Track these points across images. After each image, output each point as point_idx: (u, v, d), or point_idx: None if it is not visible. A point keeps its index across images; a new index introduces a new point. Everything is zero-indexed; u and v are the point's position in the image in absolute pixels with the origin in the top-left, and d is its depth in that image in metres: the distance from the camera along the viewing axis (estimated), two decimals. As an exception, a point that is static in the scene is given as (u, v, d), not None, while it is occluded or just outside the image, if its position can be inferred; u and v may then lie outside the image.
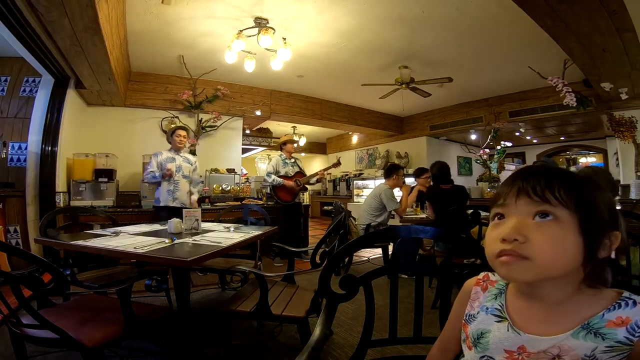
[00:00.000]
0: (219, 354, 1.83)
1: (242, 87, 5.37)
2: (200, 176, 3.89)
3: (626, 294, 0.52)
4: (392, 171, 3.92)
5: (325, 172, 4.46)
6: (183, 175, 3.49)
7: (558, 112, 5.15)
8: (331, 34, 3.67)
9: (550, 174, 0.53)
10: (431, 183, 3.81)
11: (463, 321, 0.66)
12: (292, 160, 4.42)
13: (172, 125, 4.83)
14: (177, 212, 2.97)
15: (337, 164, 4.69)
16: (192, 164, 3.62)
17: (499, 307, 0.61)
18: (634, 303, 0.50)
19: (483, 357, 0.59)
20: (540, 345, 0.53)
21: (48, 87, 3.51)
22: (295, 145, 4.57)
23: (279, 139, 4.66)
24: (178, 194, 3.45)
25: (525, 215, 0.52)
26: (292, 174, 4.32)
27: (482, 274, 0.69)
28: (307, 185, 4.48)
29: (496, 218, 0.56)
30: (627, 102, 4.25)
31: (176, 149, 3.52)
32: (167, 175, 3.31)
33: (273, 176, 4.20)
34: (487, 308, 0.63)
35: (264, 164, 4.27)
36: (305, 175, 4.42)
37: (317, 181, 4.47)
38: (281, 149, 4.44)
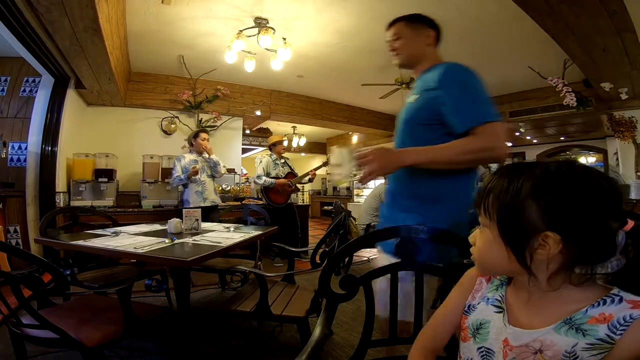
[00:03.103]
0: (219, 354, 1.83)
1: (242, 87, 5.37)
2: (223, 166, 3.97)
3: (615, 290, 0.50)
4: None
5: (315, 172, 4.35)
6: (207, 175, 3.63)
7: (558, 112, 5.14)
8: (331, 34, 3.67)
9: (492, 188, 0.56)
10: None
11: (463, 312, 0.66)
12: (282, 160, 4.34)
13: (172, 126, 4.86)
14: (208, 210, 3.47)
15: (327, 162, 4.64)
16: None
17: (499, 298, 0.61)
18: (620, 300, 0.48)
19: (480, 348, 0.59)
20: (522, 339, 0.53)
21: (48, 87, 3.51)
22: (285, 143, 4.47)
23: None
24: (207, 194, 3.60)
25: (481, 225, 0.60)
26: (283, 175, 4.24)
27: None
28: (303, 185, 4.42)
29: None
30: (627, 102, 4.24)
31: (199, 152, 3.65)
32: (192, 174, 3.43)
33: (264, 178, 4.10)
34: (488, 298, 0.63)
35: (260, 164, 4.21)
36: (296, 175, 4.33)
37: (309, 180, 4.43)
38: (271, 150, 4.36)
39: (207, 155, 3.65)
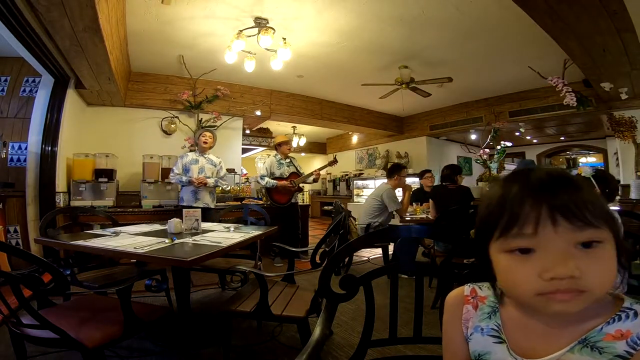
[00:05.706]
0: (218, 354, 1.83)
1: (242, 87, 5.37)
2: (225, 174, 4.01)
3: (627, 303, 0.48)
4: (394, 171, 3.89)
5: (319, 172, 4.35)
6: (206, 176, 3.63)
7: (558, 112, 5.14)
8: (331, 34, 3.67)
9: (572, 182, 0.45)
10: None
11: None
12: (288, 160, 4.34)
13: (172, 126, 4.86)
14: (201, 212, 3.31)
15: (334, 161, 4.61)
16: (216, 165, 3.76)
17: (496, 328, 0.56)
18: (635, 314, 0.46)
19: None
20: None
21: (48, 87, 3.51)
22: (289, 146, 4.46)
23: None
24: (201, 195, 3.62)
25: (568, 244, 0.44)
26: (288, 175, 4.25)
27: (468, 289, 0.63)
28: (304, 185, 4.41)
29: (517, 252, 0.46)
30: (627, 102, 4.24)
31: (201, 151, 3.71)
32: (195, 183, 3.51)
33: (267, 179, 4.14)
34: (481, 329, 0.58)
35: (263, 164, 4.25)
36: (300, 175, 4.33)
37: (314, 180, 4.43)
38: (276, 150, 4.38)
39: (209, 156, 3.70)
